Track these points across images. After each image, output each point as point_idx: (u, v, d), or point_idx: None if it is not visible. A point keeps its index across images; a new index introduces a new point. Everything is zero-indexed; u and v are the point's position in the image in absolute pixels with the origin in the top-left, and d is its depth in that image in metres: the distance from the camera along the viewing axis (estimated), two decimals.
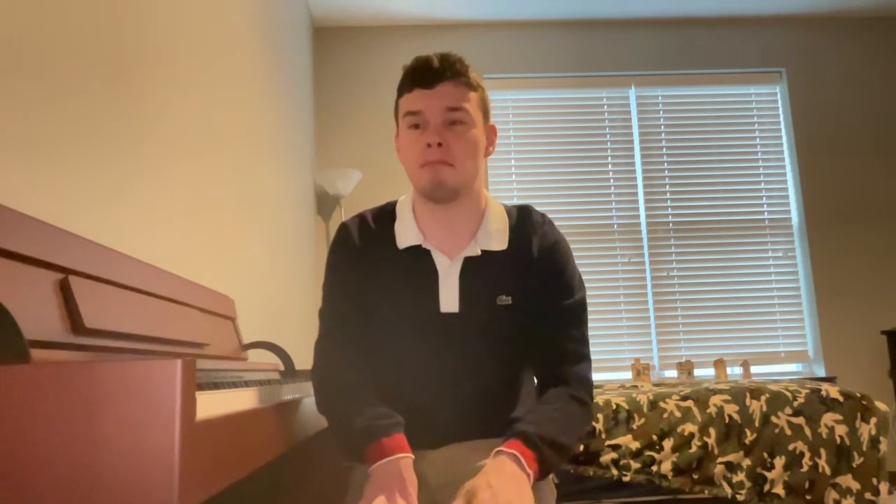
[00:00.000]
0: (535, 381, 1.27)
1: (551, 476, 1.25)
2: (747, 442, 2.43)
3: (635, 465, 2.40)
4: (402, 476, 1.02)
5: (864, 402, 2.50)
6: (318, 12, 4.26)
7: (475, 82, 1.21)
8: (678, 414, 2.46)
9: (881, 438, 2.46)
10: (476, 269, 1.22)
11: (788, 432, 2.44)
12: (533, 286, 1.22)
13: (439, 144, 1.16)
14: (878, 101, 4.50)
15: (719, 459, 2.41)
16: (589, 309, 1.29)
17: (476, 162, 1.21)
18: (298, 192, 3.59)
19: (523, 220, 1.27)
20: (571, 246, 1.30)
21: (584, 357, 1.23)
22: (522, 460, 1.03)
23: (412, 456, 1.06)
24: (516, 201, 1.35)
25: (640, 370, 4.03)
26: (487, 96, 1.26)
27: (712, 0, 4.35)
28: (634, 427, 2.44)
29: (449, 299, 1.21)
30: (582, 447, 2.41)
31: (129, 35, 1.49)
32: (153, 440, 0.56)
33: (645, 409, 2.48)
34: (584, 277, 1.31)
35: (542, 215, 1.30)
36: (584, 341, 1.24)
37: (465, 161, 1.18)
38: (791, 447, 2.42)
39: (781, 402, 2.49)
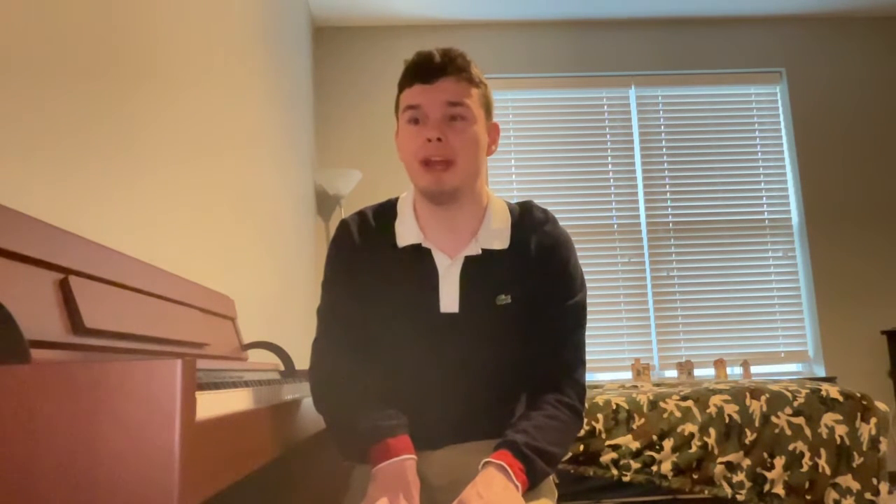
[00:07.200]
0: (527, 381, 1.23)
1: (552, 476, 1.24)
2: (747, 442, 2.43)
3: (635, 465, 2.40)
4: (405, 478, 1.02)
5: (864, 402, 2.50)
6: (318, 12, 4.26)
7: (477, 78, 1.18)
8: (678, 414, 2.46)
9: (881, 438, 2.46)
10: (476, 269, 1.19)
11: (788, 432, 2.44)
12: (532, 285, 1.19)
13: (438, 139, 1.12)
14: (877, 101, 4.50)
15: (719, 459, 2.41)
16: (589, 309, 1.25)
17: (477, 160, 1.17)
18: (298, 192, 3.59)
19: (524, 217, 1.24)
20: None
21: (578, 362, 1.20)
22: (510, 471, 1.02)
23: (416, 457, 1.06)
24: (517, 201, 1.30)
25: (640, 370, 4.03)
26: (490, 93, 1.22)
27: (712, 0, 4.35)
28: (634, 427, 2.44)
29: (449, 299, 1.18)
30: (582, 447, 2.41)
31: (128, 34, 1.49)
32: (153, 440, 0.56)
33: (645, 409, 2.47)
34: (584, 277, 1.27)
35: (545, 212, 1.25)
36: (580, 345, 1.21)
37: (465, 158, 1.15)
38: (791, 447, 2.42)
39: (781, 402, 2.49)
